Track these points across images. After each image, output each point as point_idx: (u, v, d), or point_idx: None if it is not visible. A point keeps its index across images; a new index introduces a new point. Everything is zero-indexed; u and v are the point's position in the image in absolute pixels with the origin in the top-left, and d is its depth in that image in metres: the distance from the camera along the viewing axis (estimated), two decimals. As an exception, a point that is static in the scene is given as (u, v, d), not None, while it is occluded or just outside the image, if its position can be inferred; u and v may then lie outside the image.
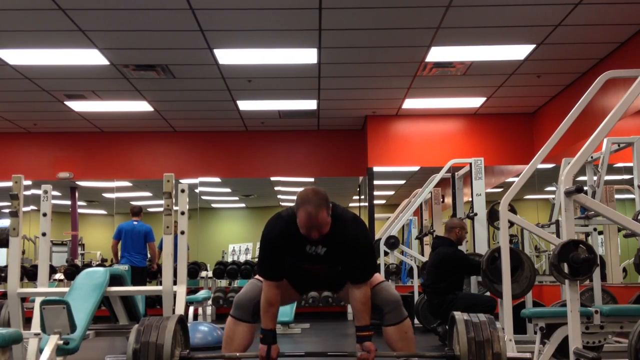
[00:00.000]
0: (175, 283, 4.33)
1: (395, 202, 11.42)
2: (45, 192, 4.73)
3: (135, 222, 8.46)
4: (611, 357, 4.27)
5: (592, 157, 5.17)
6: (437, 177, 7.34)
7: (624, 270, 7.28)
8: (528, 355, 3.90)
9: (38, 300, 4.26)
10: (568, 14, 5.67)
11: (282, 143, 10.11)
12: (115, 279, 4.69)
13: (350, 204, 11.22)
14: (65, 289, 4.46)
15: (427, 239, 9.05)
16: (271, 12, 5.61)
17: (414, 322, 5.81)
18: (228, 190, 12.29)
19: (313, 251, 3.11)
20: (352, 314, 3.30)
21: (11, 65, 6.82)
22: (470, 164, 6.29)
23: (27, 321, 4.53)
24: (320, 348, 5.86)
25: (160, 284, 4.38)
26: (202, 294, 7.38)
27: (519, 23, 5.92)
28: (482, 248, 5.99)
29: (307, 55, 6.68)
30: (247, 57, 6.70)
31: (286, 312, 7.07)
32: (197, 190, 10.41)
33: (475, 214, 6.13)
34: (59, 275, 9.27)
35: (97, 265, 9.72)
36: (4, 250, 6.06)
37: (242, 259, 11.88)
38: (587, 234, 5.57)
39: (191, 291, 8.22)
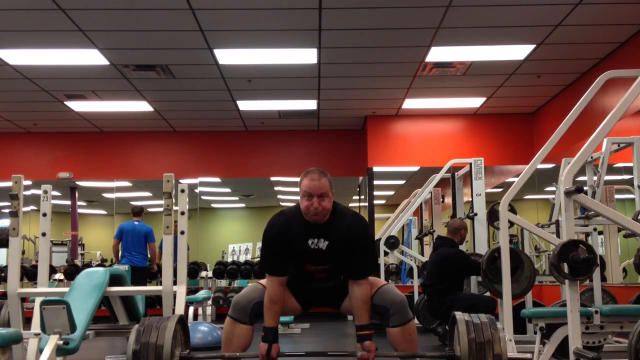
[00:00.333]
0: (175, 283, 4.33)
1: (395, 202, 11.42)
2: (45, 192, 4.73)
3: (136, 222, 8.47)
4: (611, 357, 4.27)
5: (592, 157, 5.17)
6: (437, 177, 7.34)
7: (624, 270, 7.28)
8: (529, 356, 3.91)
9: (38, 300, 4.26)
10: (568, 14, 5.67)
11: (282, 143, 10.12)
12: (115, 279, 4.69)
13: (350, 204, 11.22)
14: (65, 289, 4.46)
15: (427, 239, 9.06)
16: (271, 12, 5.61)
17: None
18: (228, 190, 12.29)
19: (315, 245, 3.11)
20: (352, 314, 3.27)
21: (11, 65, 6.82)
22: (470, 164, 6.29)
23: (27, 321, 4.53)
24: (320, 348, 5.85)
25: (160, 284, 4.38)
26: (202, 294, 7.38)
27: (519, 23, 5.92)
28: (482, 248, 5.99)
29: (307, 55, 6.68)
30: (247, 57, 6.70)
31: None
32: (197, 190, 10.42)
33: (475, 214, 6.13)
34: (59, 275, 9.28)
35: (97, 265, 9.72)
36: (4, 250, 6.06)
37: (242, 259, 11.88)
38: (587, 234, 5.58)
39: (191, 291, 8.22)
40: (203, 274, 9.67)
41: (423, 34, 6.13)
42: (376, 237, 8.71)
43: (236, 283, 10.17)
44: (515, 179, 4.15)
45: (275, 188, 11.65)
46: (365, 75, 7.48)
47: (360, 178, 10.30)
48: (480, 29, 6.08)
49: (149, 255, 8.62)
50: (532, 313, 4.12)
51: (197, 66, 7.03)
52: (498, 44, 6.49)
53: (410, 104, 8.64)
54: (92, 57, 6.61)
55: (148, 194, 11.57)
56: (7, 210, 4.60)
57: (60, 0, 5.26)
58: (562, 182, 3.26)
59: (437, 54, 6.66)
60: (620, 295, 5.85)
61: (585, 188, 4.94)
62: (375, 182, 9.34)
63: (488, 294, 5.57)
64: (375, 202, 9.47)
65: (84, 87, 7.77)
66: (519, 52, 6.67)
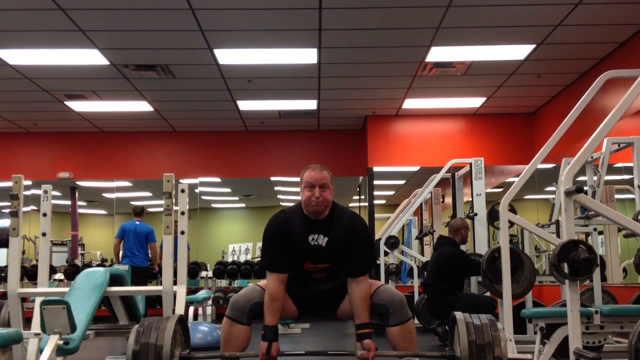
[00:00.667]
0: (175, 283, 4.33)
1: (395, 202, 11.41)
2: (45, 192, 4.73)
3: (137, 223, 8.48)
4: (611, 357, 4.27)
5: (592, 157, 5.17)
6: (437, 177, 7.34)
7: (624, 270, 7.28)
8: (529, 356, 3.91)
9: (38, 300, 4.25)
10: (568, 14, 5.67)
11: (282, 143, 10.12)
12: (115, 279, 4.69)
13: (350, 204, 11.23)
14: (65, 289, 4.45)
15: (427, 239, 9.05)
16: (271, 12, 5.61)
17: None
18: (228, 190, 12.29)
19: (315, 241, 3.12)
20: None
21: (11, 65, 6.82)
22: (470, 164, 6.28)
23: (27, 321, 4.52)
24: (320, 348, 5.85)
25: (161, 284, 4.38)
26: (202, 294, 7.37)
27: (519, 23, 5.92)
28: (482, 248, 5.98)
29: (307, 55, 6.68)
30: (247, 57, 6.70)
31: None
32: (197, 190, 10.41)
33: (475, 214, 6.13)
34: (59, 275, 9.27)
35: (97, 265, 9.72)
36: (4, 250, 6.06)
37: (242, 259, 11.88)
38: (587, 234, 5.57)
39: (191, 291, 8.22)
40: (203, 274, 9.66)
41: (423, 34, 6.13)
42: (376, 237, 8.71)
43: (236, 283, 10.17)
44: (515, 179, 4.15)
45: (275, 188, 11.65)
46: (365, 75, 7.48)
47: (360, 178, 10.30)
48: (480, 29, 6.08)
49: (149, 256, 8.62)
50: (532, 313, 4.12)
51: (197, 66, 7.03)
52: (498, 44, 6.48)
53: (410, 104, 8.64)
54: (92, 57, 6.61)
55: (148, 194, 11.57)
56: (7, 210, 4.60)
57: (60, 0, 5.26)
58: (562, 182, 3.26)
59: (437, 54, 6.66)
60: (620, 295, 5.85)
61: (585, 188, 4.94)
62: (375, 182, 9.34)
63: (488, 294, 5.57)
64: (375, 202, 9.48)
65: (84, 87, 7.77)
66: (519, 52, 6.67)
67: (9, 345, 3.29)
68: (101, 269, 4.57)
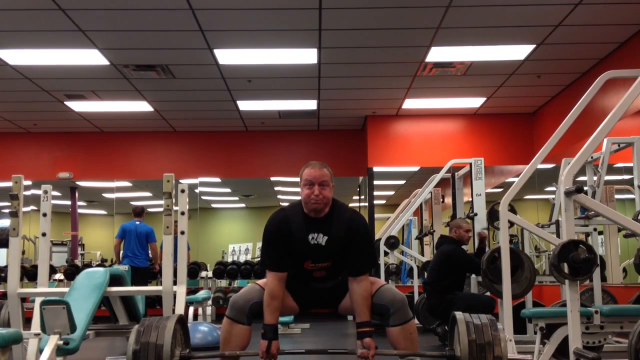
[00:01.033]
0: (175, 283, 4.33)
1: (395, 202, 11.42)
2: (45, 192, 4.73)
3: (137, 223, 8.48)
4: (611, 357, 4.27)
5: (592, 157, 5.17)
6: (437, 177, 7.34)
7: (624, 270, 7.28)
8: (529, 357, 3.91)
9: (38, 300, 4.26)
10: (568, 14, 5.67)
11: (282, 143, 10.12)
12: (115, 279, 4.69)
13: (350, 204, 11.20)
14: (65, 289, 4.45)
15: (427, 239, 9.05)
16: (271, 12, 5.61)
17: (413, 322, 5.80)
18: (228, 190, 12.29)
19: (315, 240, 3.11)
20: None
21: (11, 65, 6.82)
22: (470, 164, 6.28)
23: (27, 321, 4.53)
24: (320, 347, 5.85)
25: (161, 284, 4.38)
26: (202, 294, 7.37)
27: (519, 23, 5.92)
28: (482, 248, 5.98)
29: (307, 55, 6.68)
30: (247, 57, 6.70)
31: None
32: (197, 190, 10.42)
33: (475, 214, 6.12)
34: (59, 276, 9.27)
35: (97, 266, 9.72)
36: (4, 250, 6.06)
37: (242, 259, 11.89)
38: (587, 234, 5.57)
39: (191, 291, 8.22)
40: (203, 274, 9.67)
41: (423, 34, 6.13)
42: (376, 237, 8.71)
43: (236, 283, 10.17)
44: (515, 179, 4.15)
45: (275, 188, 11.65)
46: (365, 75, 7.48)
47: (360, 178, 10.30)
48: (480, 29, 6.08)
49: (150, 256, 8.62)
50: (532, 313, 4.12)
51: (197, 66, 7.03)
52: (498, 44, 6.49)
53: (410, 104, 8.64)
54: (92, 57, 6.61)
55: (148, 194, 11.57)
56: (7, 210, 4.60)
57: (60, 0, 5.26)
58: (562, 182, 3.26)
59: (437, 54, 6.66)
60: (620, 295, 5.86)
61: (585, 188, 4.94)
62: (375, 182, 9.34)
63: (488, 294, 5.57)
64: (375, 202, 9.48)
65: (84, 87, 7.77)
66: (519, 52, 6.67)
67: (9, 345, 3.29)
68: (101, 269, 4.57)
